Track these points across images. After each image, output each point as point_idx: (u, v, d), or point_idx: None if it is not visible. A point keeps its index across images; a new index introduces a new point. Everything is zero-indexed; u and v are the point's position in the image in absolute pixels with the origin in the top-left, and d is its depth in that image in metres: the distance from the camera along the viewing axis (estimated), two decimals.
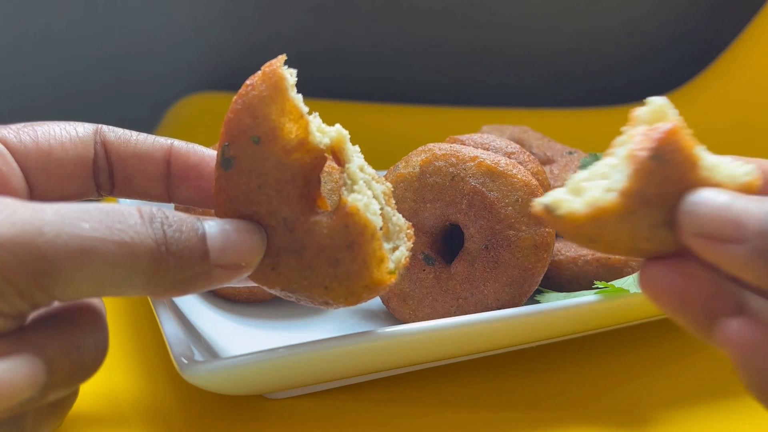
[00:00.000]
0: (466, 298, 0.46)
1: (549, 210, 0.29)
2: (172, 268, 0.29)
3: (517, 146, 0.51)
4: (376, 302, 0.51)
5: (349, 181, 0.33)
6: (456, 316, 0.41)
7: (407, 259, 0.34)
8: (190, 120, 0.92)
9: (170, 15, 0.97)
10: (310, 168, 0.33)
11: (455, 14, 1.00)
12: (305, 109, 0.33)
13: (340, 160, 0.34)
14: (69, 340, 0.28)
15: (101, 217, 0.27)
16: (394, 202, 0.36)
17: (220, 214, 0.33)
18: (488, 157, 0.46)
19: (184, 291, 0.30)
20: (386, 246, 0.33)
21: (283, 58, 0.33)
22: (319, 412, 0.42)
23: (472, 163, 0.46)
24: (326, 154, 0.34)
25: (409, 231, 0.36)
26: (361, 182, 0.33)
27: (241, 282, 0.36)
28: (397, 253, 0.34)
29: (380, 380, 0.44)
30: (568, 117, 0.97)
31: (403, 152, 0.49)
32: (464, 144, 0.50)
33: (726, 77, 0.95)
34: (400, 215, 0.36)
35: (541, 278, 0.46)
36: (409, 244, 0.35)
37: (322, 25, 1.00)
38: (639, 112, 0.30)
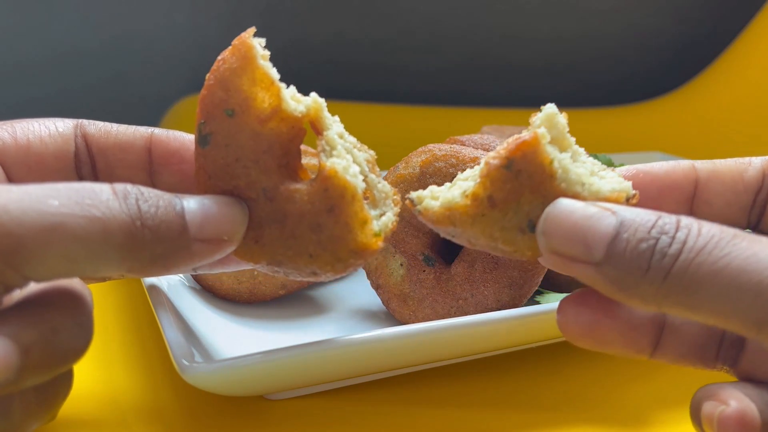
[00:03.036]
0: (466, 299, 0.46)
1: (412, 203, 0.32)
2: (148, 242, 0.28)
3: None
4: (376, 303, 0.51)
5: (327, 147, 0.33)
6: (456, 317, 0.41)
7: (394, 224, 0.34)
8: (190, 120, 0.91)
9: (170, 15, 0.97)
10: (287, 138, 0.33)
11: (456, 14, 1.00)
12: (277, 76, 0.32)
13: (318, 128, 0.34)
14: (45, 323, 0.28)
15: (70, 194, 0.27)
16: (378, 169, 0.35)
17: (201, 192, 0.33)
18: None
19: (164, 267, 0.29)
20: (373, 213, 0.33)
21: (252, 30, 0.32)
22: (319, 412, 0.42)
23: (473, 164, 0.46)
24: (304, 126, 0.33)
25: (395, 197, 0.35)
26: (339, 147, 0.33)
27: (231, 265, 0.36)
28: (383, 218, 0.33)
29: (380, 380, 0.44)
30: (568, 117, 0.97)
31: (403, 152, 0.49)
32: (464, 144, 0.50)
33: (726, 77, 0.95)
34: (386, 182, 0.35)
35: (541, 279, 0.46)
36: (396, 210, 0.34)
37: (322, 26, 1.00)
38: (533, 118, 0.30)
